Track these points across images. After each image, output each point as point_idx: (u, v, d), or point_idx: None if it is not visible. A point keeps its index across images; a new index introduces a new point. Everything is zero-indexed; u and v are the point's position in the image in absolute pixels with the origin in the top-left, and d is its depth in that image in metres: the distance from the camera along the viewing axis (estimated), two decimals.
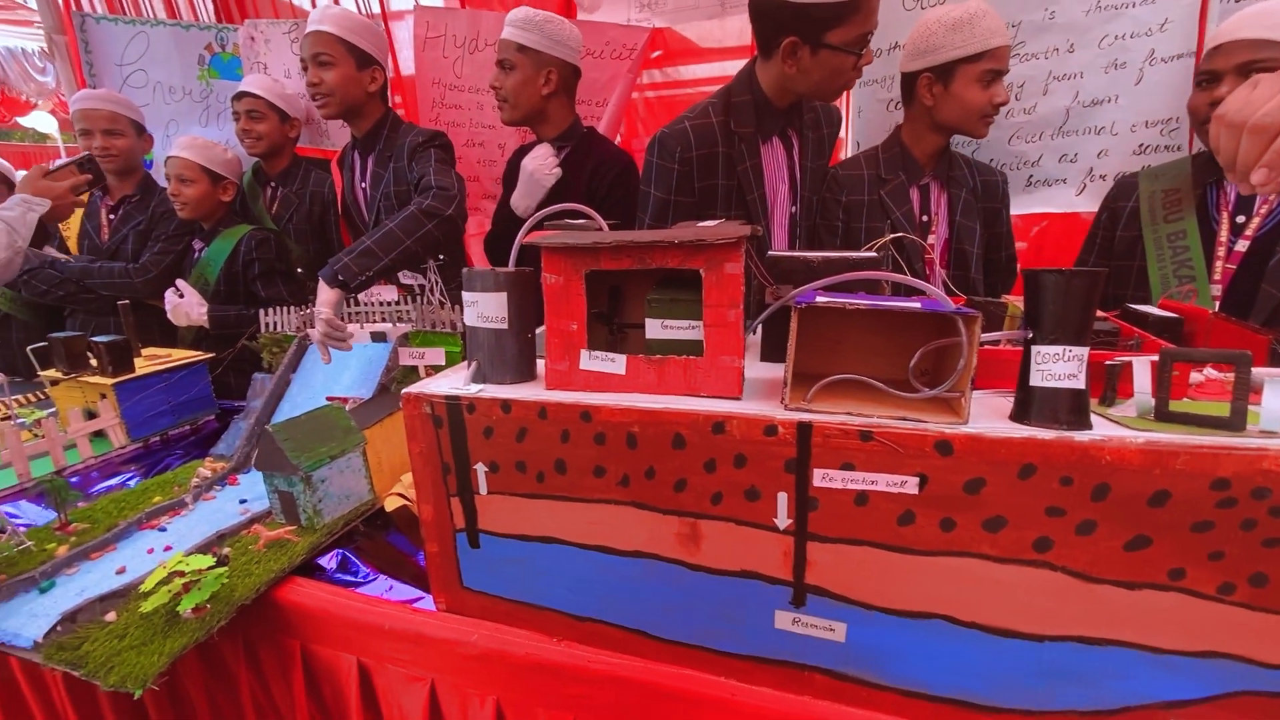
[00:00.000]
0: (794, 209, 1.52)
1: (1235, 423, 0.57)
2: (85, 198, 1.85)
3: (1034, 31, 1.66)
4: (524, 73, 1.68)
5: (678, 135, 1.38)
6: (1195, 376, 0.74)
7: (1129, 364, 0.65)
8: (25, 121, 8.28)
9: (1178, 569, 0.57)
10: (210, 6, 2.89)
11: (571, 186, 1.73)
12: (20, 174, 1.94)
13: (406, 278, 1.44)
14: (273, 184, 2.15)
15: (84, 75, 2.38)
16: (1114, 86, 1.66)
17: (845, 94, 1.79)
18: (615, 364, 0.73)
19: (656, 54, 2.39)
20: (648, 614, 0.76)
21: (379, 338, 1.45)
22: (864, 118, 1.87)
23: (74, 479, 1.36)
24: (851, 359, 0.78)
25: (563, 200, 0.98)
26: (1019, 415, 0.61)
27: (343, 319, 1.42)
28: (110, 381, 1.48)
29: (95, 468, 1.44)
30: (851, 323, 0.77)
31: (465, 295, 0.79)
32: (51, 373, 1.56)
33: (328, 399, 1.34)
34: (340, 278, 1.37)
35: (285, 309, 1.54)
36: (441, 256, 1.41)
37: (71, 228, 2.17)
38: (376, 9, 2.53)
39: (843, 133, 1.79)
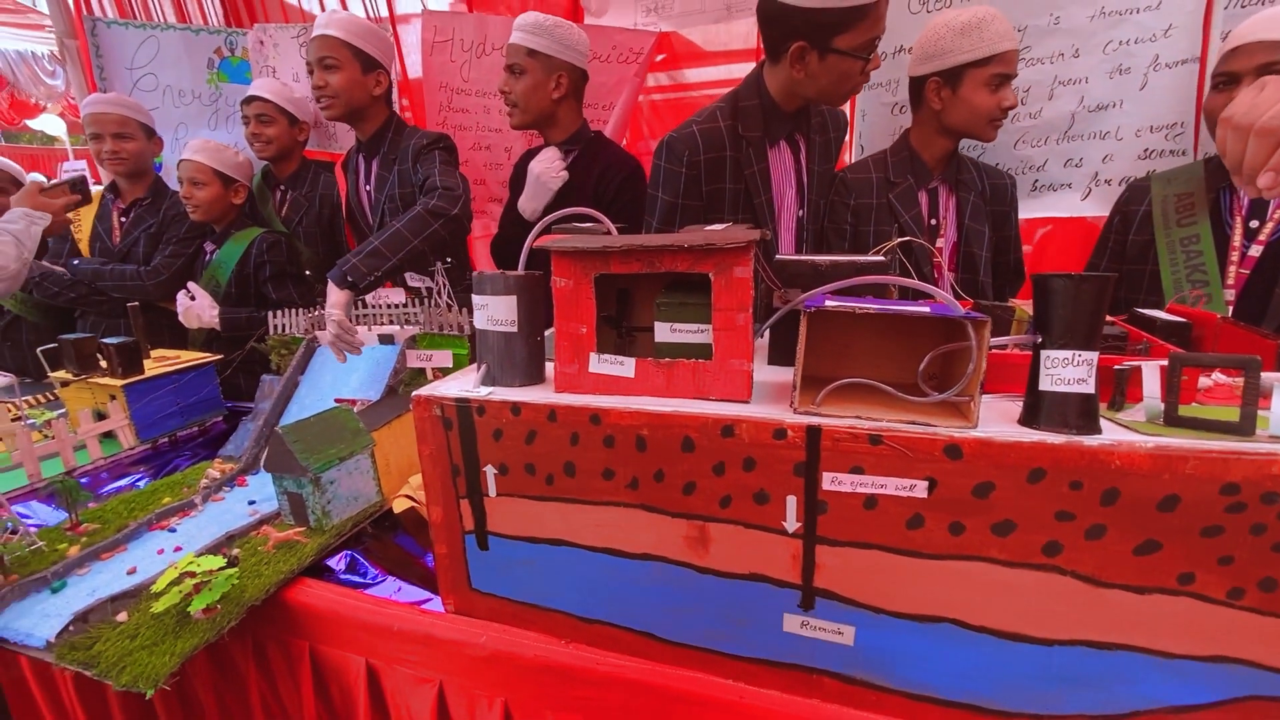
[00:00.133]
0: (801, 213, 1.52)
1: (1244, 427, 0.57)
2: (74, 215, 1.96)
3: (1039, 36, 1.67)
4: (534, 77, 1.69)
5: (685, 139, 1.39)
6: (1204, 381, 0.74)
7: (1138, 368, 0.65)
8: (34, 124, 8.36)
9: (1187, 573, 0.57)
10: (220, 11, 2.92)
11: (579, 190, 1.73)
12: (32, 177, 1.96)
13: (414, 280, 1.45)
14: (282, 187, 2.16)
15: (95, 79, 2.40)
16: (1119, 91, 1.66)
17: (851, 98, 1.80)
18: (624, 367, 0.74)
19: (661, 58, 2.40)
20: (656, 616, 0.76)
21: (387, 340, 1.45)
22: (869, 121, 1.87)
23: (84, 480, 1.37)
24: (860, 363, 0.78)
25: (570, 204, 0.98)
26: (1028, 419, 0.61)
27: (351, 321, 1.43)
28: (120, 383, 1.49)
29: (105, 469, 1.45)
30: (860, 327, 0.78)
31: (475, 298, 0.80)
32: (61, 374, 1.58)
33: (336, 401, 1.35)
34: (349, 279, 1.38)
35: (294, 311, 1.55)
36: (449, 259, 1.41)
37: (83, 230, 2.19)
38: (384, 13, 2.55)
39: (848, 136, 1.79)
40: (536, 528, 0.79)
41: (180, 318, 1.91)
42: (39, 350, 1.56)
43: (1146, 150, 1.67)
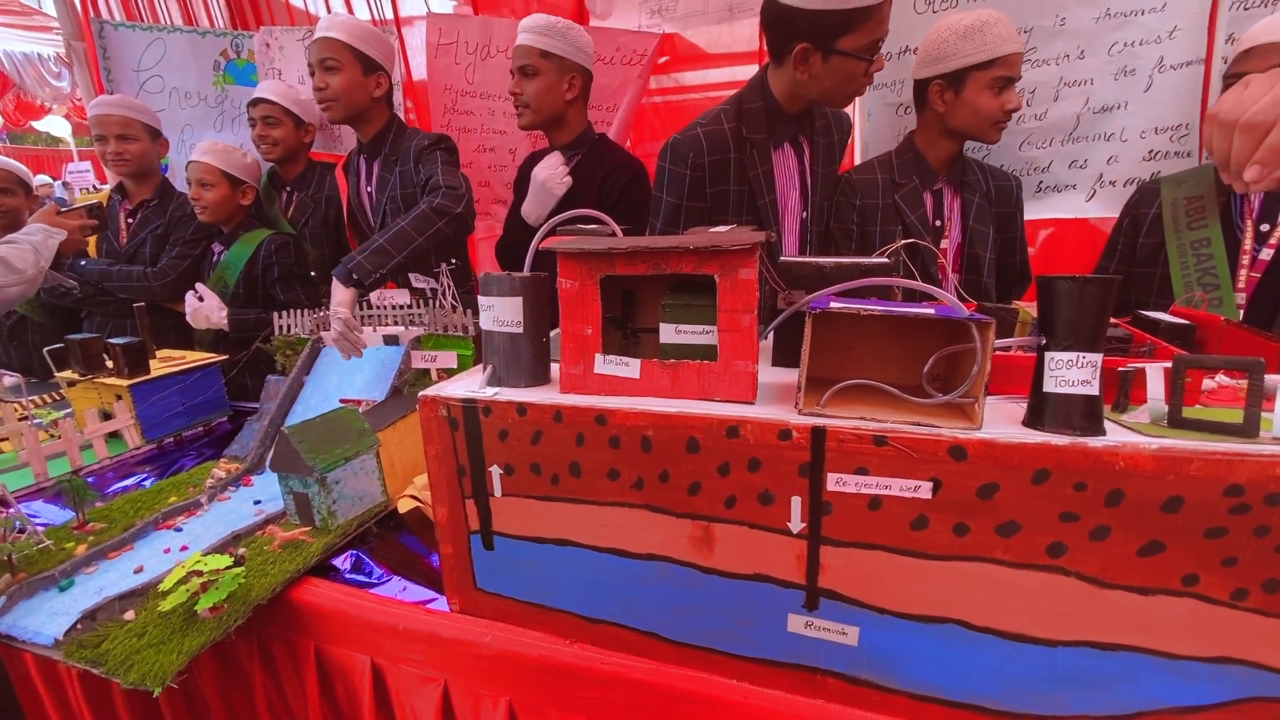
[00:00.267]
0: (805, 214, 1.53)
1: (1248, 429, 0.57)
2: (90, 241, 1.97)
3: (1045, 38, 1.67)
4: (548, 78, 1.70)
5: (690, 141, 1.39)
6: (1208, 383, 0.74)
7: (1142, 370, 0.65)
8: (39, 125, 8.40)
9: (1191, 575, 0.57)
10: (226, 13, 2.93)
11: (583, 192, 1.74)
12: (38, 179, 1.99)
13: (419, 281, 1.46)
14: (288, 188, 2.17)
15: (101, 81, 2.41)
16: (1124, 93, 1.66)
17: (857, 99, 1.80)
18: (630, 368, 0.74)
19: (664, 59, 2.40)
20: (661, 616, 0.77)
21: (391, 341, 1.46)
22: (874, 122, 1.88)
23: (90, 479, 1.38)
24: (864, 364, 0.79)
25: (574, 206, 0.99)
26: (1032, 421, 0.62)
27: (356, 319, 1.43)
28: (126, 383, 1.50)
29: (111, 468, 1.46)
30: (864, 328, 0.78)
31: (481, 300, 0.80)
32: (68, 374, 1.59)
33: (341, 401, 1.35)
34: (354, 276, 1.39)
35: (299, 311, 1.56)
36: (454, 260, 1.42)
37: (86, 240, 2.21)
38: (389, 15, 2.56)
39: (852, 137, 1.79)
40: (541, 528, 0.79)
41: (188, 319, 1.92)
42: (45, 350, 1.57)
43: (1151, 152, 1.67)
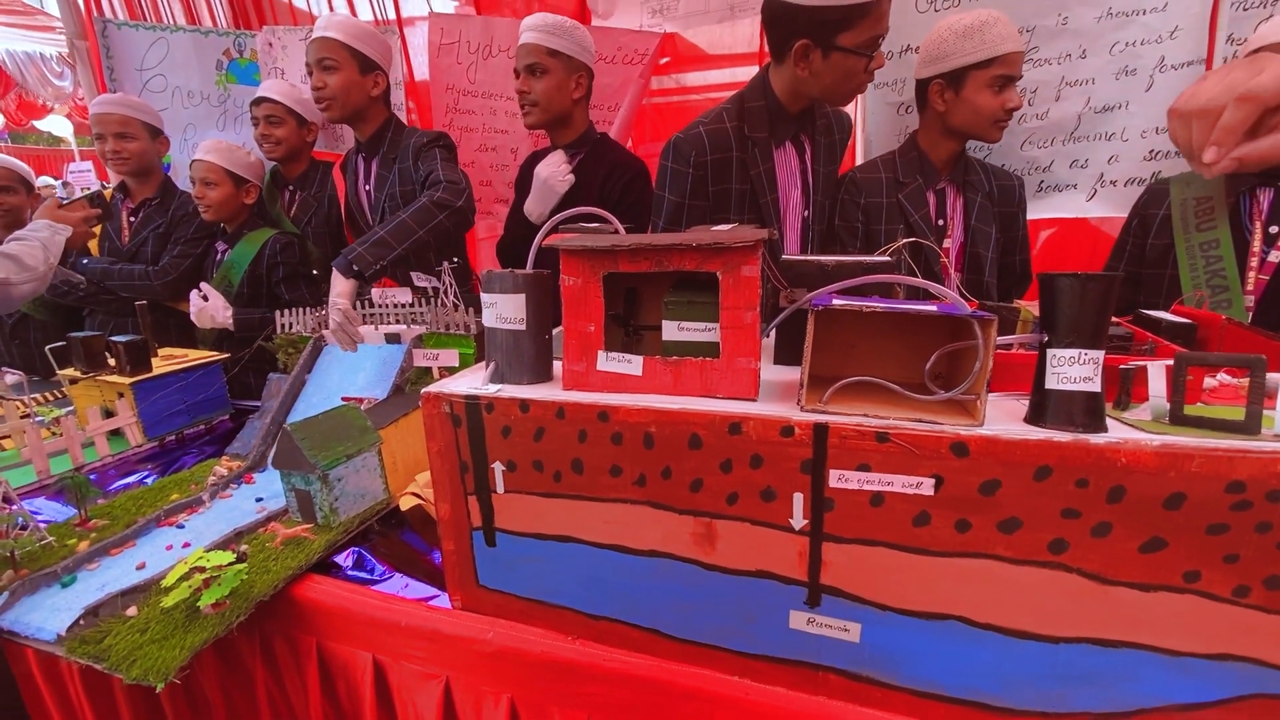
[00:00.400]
0: (806, 213, 1.53)
1: (1250, 426, 0.57)
2: (97, 230, 1.96)
3: (1047, 37, 1.67)
4: (556, 77, 1.71)
5: (692, 140, 1.39)
6: (1209, 382, 0.74)
7: (1144, 368, 0.65)
8: (41, 125, 8.41)
9: (1192, 571, 0.57)
10: (229, 13, 2.93)
11: (585, 191, 1.74)
12: (41, 180, 2.00)
13: (421, 280, 1.46)
14: (291, 187, 2.18)
15: (105, 80, 2.42)
16: (1125, 93, 1.66)
17: (859, 98, 1.80)
18: (632, 365, 0.74)
19: (665, 60, 2.41)
20: (663, 613, 0.77)
21: (393, 339, 1.46)
22: (875, 121, 1.88)
23: (91, 476, 1.38)
24: (866, 363, 0.79)
25: (576, 205, 0.99)
26: (1034, 418, 0.62)
27: (356, 312, 1.44)
28: (128, 381, 1.50)
29: (112, 466, 1.46)
30: (866, 326, 0.78)
31: (484, 297, 0.80)
32: (70, 371, 1.59)
33: (343, 399, 1.36)
34: (355, 267, 1.39)
35: (301, 310, 1.56)
36: (455, 259, 1.42)
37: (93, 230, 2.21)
38: (391, 15, 2.57)
39: (854, 136, 1.80)
40: (544, 524, 0.79)
41: (193, 318, 1.92)
42: (47, 348, 1.57)
43: (1152, 152, 1.67)
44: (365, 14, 2.65)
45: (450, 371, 1.22)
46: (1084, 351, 0.59)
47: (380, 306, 1.50)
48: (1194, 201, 1.41)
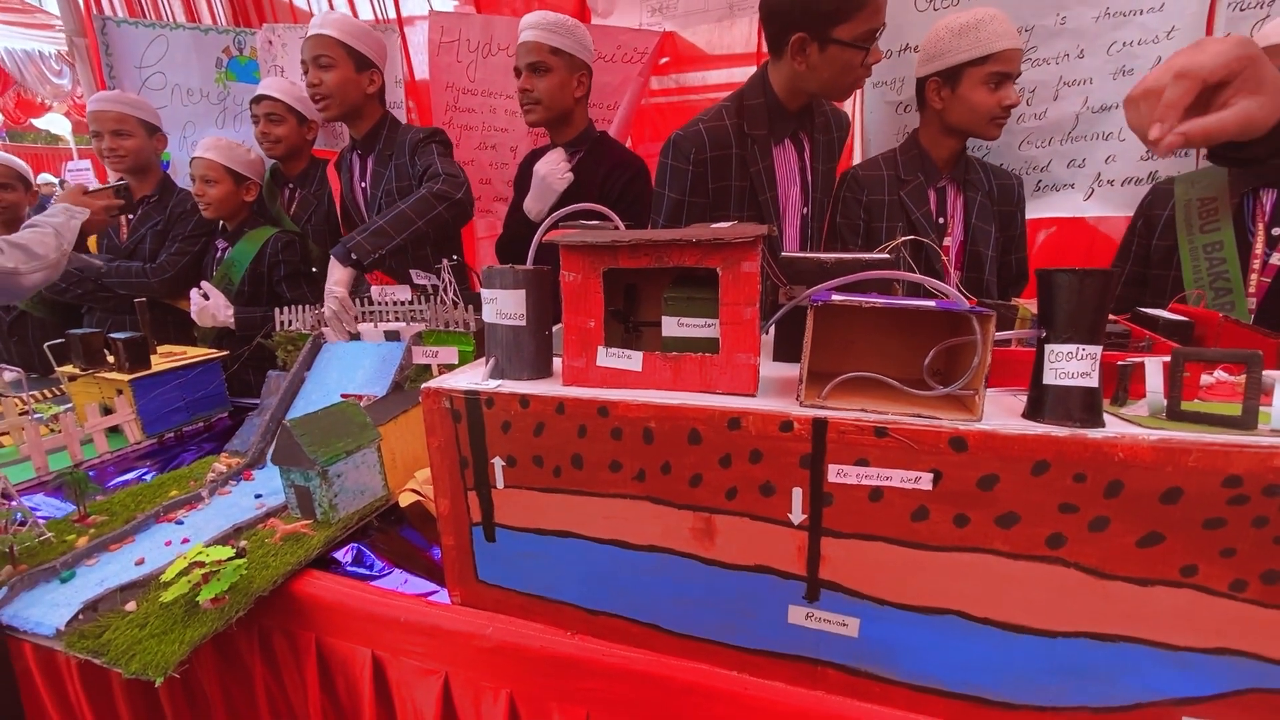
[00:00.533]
0: (805, 210, 1.54)
1: (1247, 421, 0.57)
2: (121, 219, 1.96)
3: (1046, 37, 1.68)
4: (560, 75, 1.71)
5: (692, 137, 1.40)
6: (1206, 379, 0.75)
7: (1141, 364, 0.66)
8: (39, 123, 8.40)
9: (1190, 566, 0.57)
10: (229, 10, 2.93)
11: (585, 189, 1.75)
12: (42, 177, 2.00)
13: (420, 278, 1.46)
14: (290, 185, 2.18)
15: (104, 78, 2.42)
16: (1122, 92, 1.64)
17: (857, 96, 1.81)
18: (632, 361, 0.74)
19: (664, 60, 2.41)
20: (662, 608, 0.77)
21: (393, 337, 1.46)
22: (873, 120, 1.88)
23: (90, 473, 1.38)
24: (864, 360, 0.79)
25: (576, 202, 0.99)
26: (1032, 413, 0.62)
27: (355, 306, 1.44)
28: (127, 378, 1.50)
29: (111, 462, 1.46)
30: (865, 323, 0.78)
31: (484, 292, 0.80)
32: (69, 368, 1.59)
33: (342, 396, 1.36)
34: (353, 256, 1.40)
35: (300, 307, 1.56)
36: (455, 257, 1.43)
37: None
38: (392, 14, 2.57)
39: (853, 135, 1.80)
40: (543, 519, 0.79)
41: (194, 317, 1.92)
42: (46, 345, 1.57)
43: (1148, 152, 1.67)
44: (365, 13, 2.66)
45: (449, 369, 1.23)
46: (1082, 347, 0.59)
47: (380, 304, 1.50)
48: (1198, 203, 1.41)
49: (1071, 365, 0.59)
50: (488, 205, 2.45)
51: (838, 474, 0.65)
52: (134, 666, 0.78)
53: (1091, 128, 1.71)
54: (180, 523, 1.13)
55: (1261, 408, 0.58)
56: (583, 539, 0.78)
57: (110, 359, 1.57)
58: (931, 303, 0.64)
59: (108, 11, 2.69)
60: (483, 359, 0.85)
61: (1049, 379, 0.60)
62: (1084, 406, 0.59)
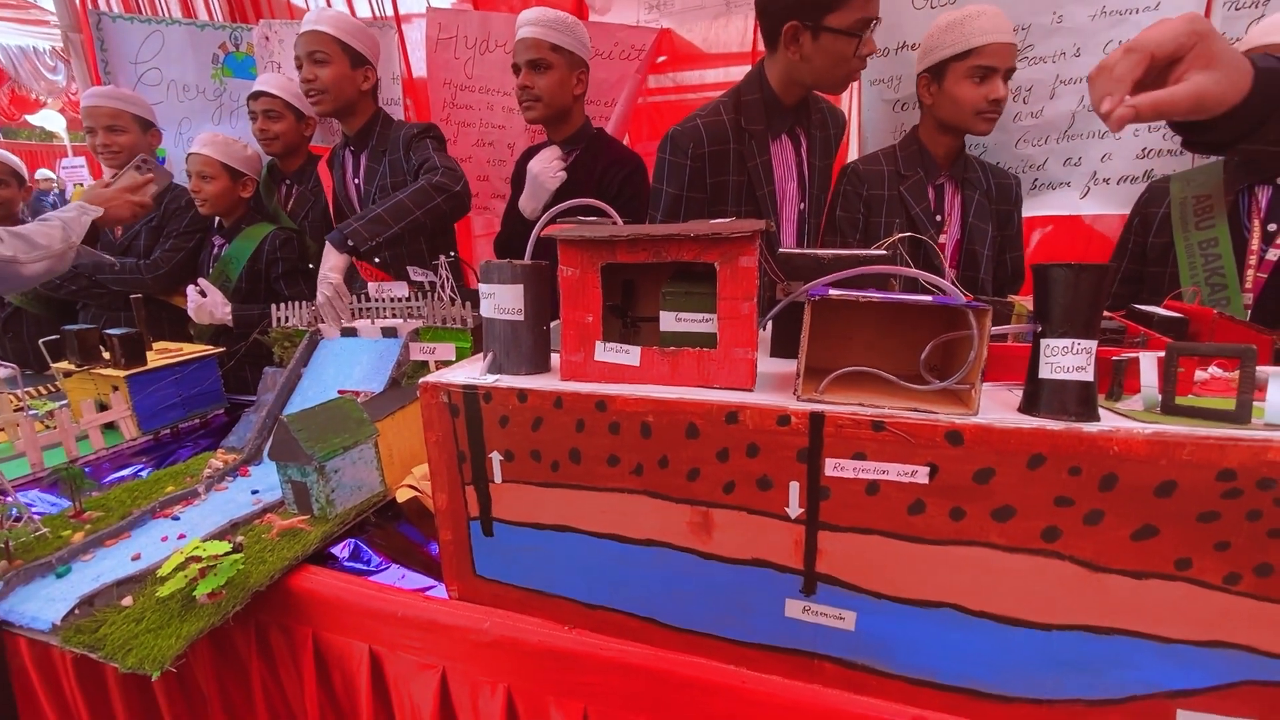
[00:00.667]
0: (802, 206, 1.54)
1: (1240, 416, 0.58)
2: (149, 197, 1.83)
3: (1042, 35, 1.68)
4: (560, 73, 1.71)
5: (690, 132, 1.40)
6: (1200, 374, 0.75)
7: (1135, 359, 0.66)
8: (34, 119, 8.36)
9: (1184, 559, 0.58)
10: (225, 6, 2.92)
11: (582, 186, 1.75)
12: (40, 174, 1.98)
13: (417, 275, 1.46)
14: (287, 181, 2.17)
15: (99, 73, 2.41)
16: None
17: (854, 93, 1.81)
18: (630, 355, 0.75)
19: (662, 59, 2.41)
20: (659, 602, 0.77)
21: (390, 333, 1.46)
22: (870, 117, 1.89)
23: (86, 469, 1.37)
24: (861, 355, 0.79)
25: (574, 199, 0.99)
26: (1028, 407, 0.62)
27: (351, 301, 1.43)
28: (122, 374, 1.50)
29: (107, 459, 1.45)
30: (861, 318, 0.79)
31: (482, 288, 0.81)
32: (64, 365, 1.58)
33: (339, 392, 1.35)
34: (350, 242, 1.39)
35: (297, 304, 1.56)
36: (452, 253, 1.43)
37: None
38: (389, 11, 2.56)
39: (850, 133, 1.81)
40: (541, 514, 0.79)
41: (191, 314, 1.92)
42: (41, 341, 1.56)
43: (1144, 149, 1.68)
44: (363, 10, 2.65)
45: (447, 365, 1.23)
46: (1077, 341, 0.59)
47: (377, 300, 1.50)
48: (1193, 200, 1.41)
49: (1067, 360, 0.59)
50: (485, 202, 2.45)
51: (835, 468, 0.65)
52: (130, 661, 0.78)
53: (1088, 126, 1.72)
54: (177, 518, 1.13)
55: (1255, 402, 0.58)
56: (580, 533, 0.78)
57: (106, 355, 1.56)
58: (928, 298, 0.64)
59: (103, 6, 2.67)
60: (480, 353, 0.85)
61: (1045, 373, 0.61)
62: (1079, 401, 0.60)
